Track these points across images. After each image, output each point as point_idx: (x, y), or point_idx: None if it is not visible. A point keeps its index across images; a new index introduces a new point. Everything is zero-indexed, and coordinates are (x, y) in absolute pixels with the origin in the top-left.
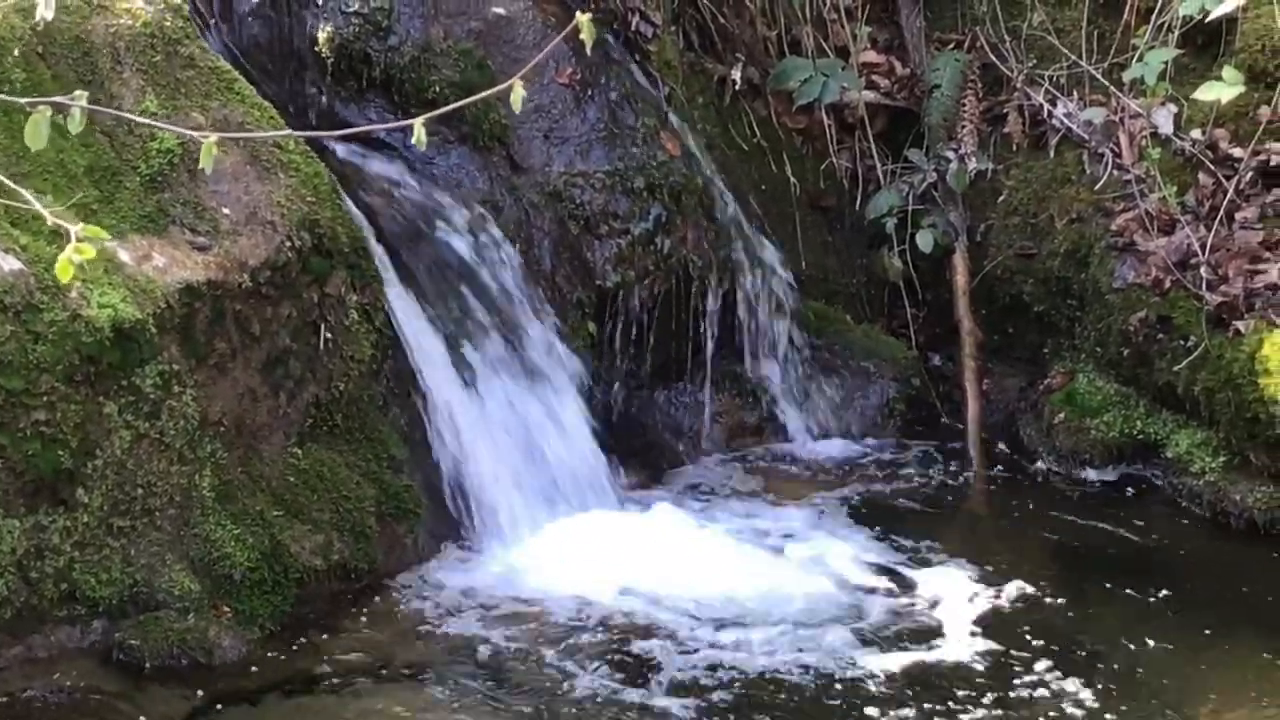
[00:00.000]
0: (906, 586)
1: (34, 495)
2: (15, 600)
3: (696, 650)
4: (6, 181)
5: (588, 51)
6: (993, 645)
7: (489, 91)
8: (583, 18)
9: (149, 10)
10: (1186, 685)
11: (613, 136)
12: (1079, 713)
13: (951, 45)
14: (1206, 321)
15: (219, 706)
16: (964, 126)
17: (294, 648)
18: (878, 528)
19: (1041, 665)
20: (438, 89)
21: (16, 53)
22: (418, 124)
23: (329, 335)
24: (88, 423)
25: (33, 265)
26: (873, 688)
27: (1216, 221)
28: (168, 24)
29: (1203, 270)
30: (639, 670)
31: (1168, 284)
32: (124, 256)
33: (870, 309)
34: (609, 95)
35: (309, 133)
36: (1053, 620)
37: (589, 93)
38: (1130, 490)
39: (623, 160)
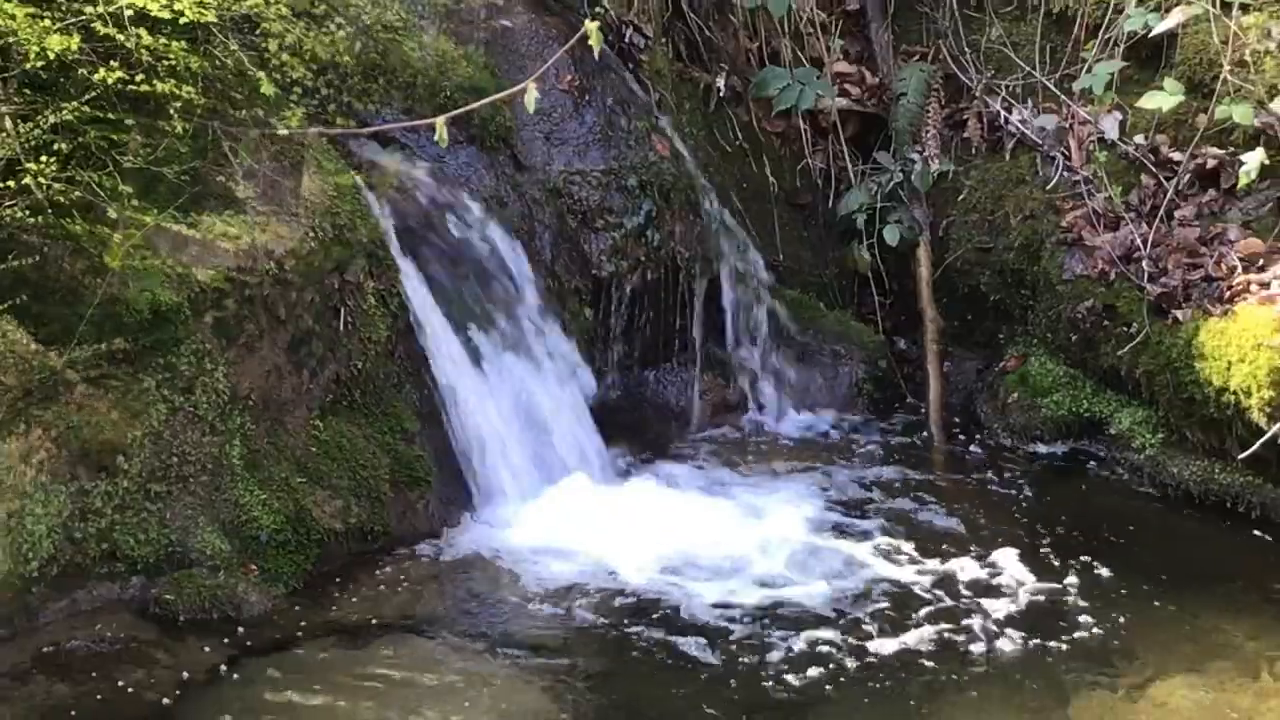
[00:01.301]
0: (865, 549)
1: (78, 463)
2: (61, 558)
3: (679, 597)
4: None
5: (596, 56)
6: (942, 598)
7: (504, 94)
8: (591, 26)
9: None
10: (1125, 642)
11: (608, 138)
12: (1023, 665)
13: (917, 57)
14: (1148, 310)
15: (247, 655)
16: (928, 131)
17: (316, 603)
18: (845, 495)
19: (988, 620)
20: (449, 92)
21: None
22: (440, 122)
23: (349, 318)
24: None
25: None
26: (830, 634)
27: (1157, 219)
28: None
29: (1144, 263)
30: (626, 614)
31: (1112, 276)
32: (161, 245)
33: (841, 297)
34: (605, 101)
35: (332, 130)
36: (1001, 579)
37: (587, 98)
38: (1077, 463)
39: (617, 160)
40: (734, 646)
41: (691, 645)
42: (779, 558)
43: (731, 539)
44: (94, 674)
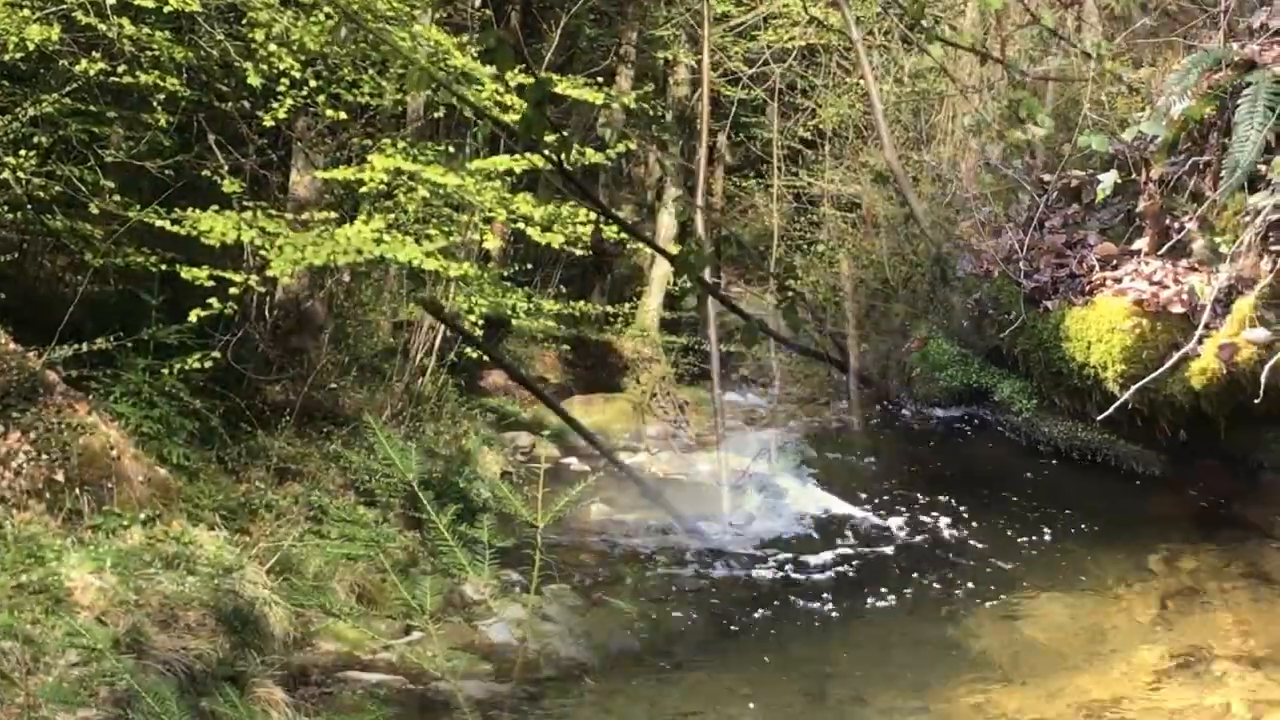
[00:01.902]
0: (799, 490)
1: None
2: None
3: (654, 536)
4: None
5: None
6: (857, 532)
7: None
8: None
9: None
10: (1006, 568)
11: None
12: (924, 587)
13: None
14: (1024, 301)
15: None
16: None
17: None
18: (783, 447)
19: (898, 550)
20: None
21: None
22: None
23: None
24: None
25: None
26: (758, 573)
27: (1031, 228)
28: None
29: (1021, 264)
30: (598, 538)
31: (996, 274)
32: None
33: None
34: None
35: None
36: (906, 520)
37: None
38: (968, 424)
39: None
40: (697, 570)
41: (667, 567)
42: (731, 497)
43: (689, 486)
44: None
